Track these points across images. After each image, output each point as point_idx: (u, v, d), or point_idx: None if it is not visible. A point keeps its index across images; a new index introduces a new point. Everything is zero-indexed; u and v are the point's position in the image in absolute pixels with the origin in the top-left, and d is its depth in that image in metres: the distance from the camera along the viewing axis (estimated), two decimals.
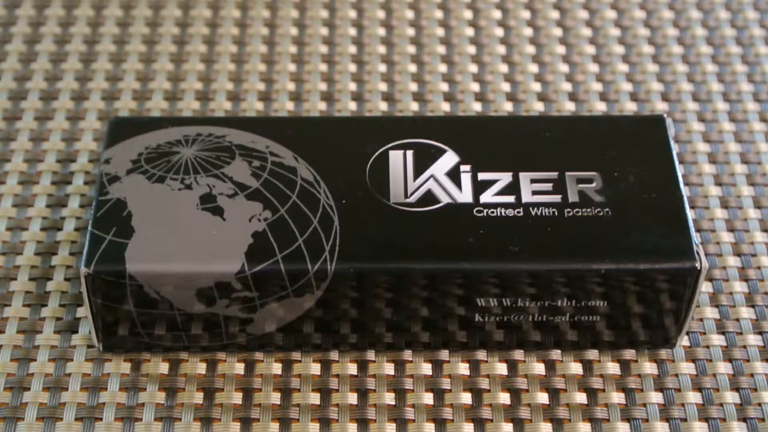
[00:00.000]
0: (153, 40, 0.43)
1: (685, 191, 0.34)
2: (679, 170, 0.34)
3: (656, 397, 0.34)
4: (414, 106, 0.41)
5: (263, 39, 0.43)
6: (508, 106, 0.41)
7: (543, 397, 0.34)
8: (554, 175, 0.34)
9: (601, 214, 0.33)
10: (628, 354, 0.35)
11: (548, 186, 0.34)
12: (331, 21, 0.44)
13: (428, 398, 0.34)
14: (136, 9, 0.44)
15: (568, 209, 0.33)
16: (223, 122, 0.36)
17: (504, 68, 0.42)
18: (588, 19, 0.44)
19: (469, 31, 0.44)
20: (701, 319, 0.36)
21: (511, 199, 0.33)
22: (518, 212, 0.33)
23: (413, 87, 0.42)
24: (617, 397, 0.34)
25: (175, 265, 0.32)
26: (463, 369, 0.34)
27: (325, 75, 0.42)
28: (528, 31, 0.44)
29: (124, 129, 0.35)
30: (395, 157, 0.34)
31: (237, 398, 0.34)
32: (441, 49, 0.43)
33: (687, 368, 0.35)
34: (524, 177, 0.34)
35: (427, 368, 0.34)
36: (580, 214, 0.33)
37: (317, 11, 0.44)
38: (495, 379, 0.34)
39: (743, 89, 0.42)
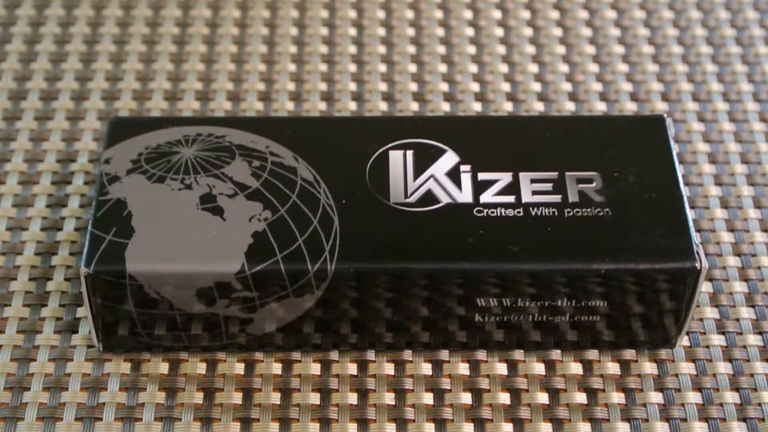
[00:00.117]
0: (153, 40, 0.43)
1: (685, 191, 0.34)
2: (679, 170, 0.34)
3: (656, 397, 0.34)
4: (414, 106, 0.41)
5: (263, 39, 0.43)
6: (508, 106, 0.41)
7: (543, 397, 0.34)
8: (554, 175, 0.34)
9: (601, 214, 0.33)
10: (628, 354, 0.35)
11: (548, 186, 0.34)
12: (331, 21, 0.44)
13: (428, 398, 0.34)
14: (136, 9, 0.44)
15: (568, 209, 0.33)
16: (223, 122, 0.36)
17: (504, 68, 0.42)
18: (588, 19, 0.44)
19: (469, 31, 0.44)
20: (701, 319, 0.36)
21: (511, 199, 0.33)
22: (518, 212, 0.33)
23: (413, 87, 0.42)
24: (617, 397, 0.34)
25: (175, 265, 0.32)
26: (463, 369, 0.34)
27: (325, 75, 0.42)
28: (528, 31, 0.44)
29: (124, 129, 0.35)
30: (395, 157, 0.34)
31: (237, 398, 0.34)
32: (441, 49, 0.43)
33: (687, 368, 0.35)
34: (524, 177, 0.34)
35: (427, 368, 0.34)
36: (580, 214, 0.33)
37: (317, 11, 0.44)
38: (495, 379, 0.34)
39: (743, 89, 0.42)
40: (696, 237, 0.33)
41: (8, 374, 0.34)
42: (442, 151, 0.35)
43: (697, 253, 0.32)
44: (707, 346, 0.35)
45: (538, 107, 0.41)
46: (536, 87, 0.42)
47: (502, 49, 0.43)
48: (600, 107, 0.41)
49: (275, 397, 0.34)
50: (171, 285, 0.32)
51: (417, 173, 0.34)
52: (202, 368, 0.34)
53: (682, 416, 0.34)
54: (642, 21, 0.44)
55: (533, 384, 0.34)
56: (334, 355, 0.35)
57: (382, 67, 0.42)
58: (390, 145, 0.35)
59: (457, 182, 0.34)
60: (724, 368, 0.35)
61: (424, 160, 0.34)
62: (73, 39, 0.43)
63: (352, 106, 0.41)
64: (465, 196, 0.34)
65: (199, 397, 0.34)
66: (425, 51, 0.43)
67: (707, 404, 0.34)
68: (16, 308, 0.36)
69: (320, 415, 0.33)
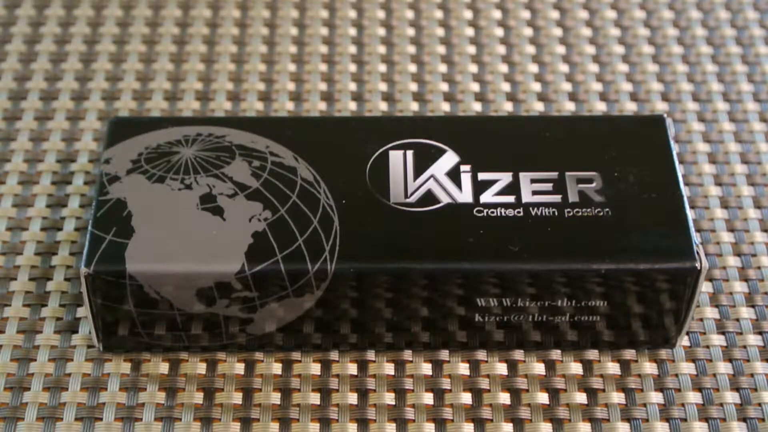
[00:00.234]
0: (153, 40, 0.43)
1: (685, 191, 0.34)
2: (679, 170, 0.34)
3: (656, 397, 0.34)
4: (414, 106, 0.41)
5: (263, 39, 0.43)
6: (508, 106, 0.41)
7: (543, 397, 0.34)
8: (554, 175, 0.34)
9: (601, 214, 0.33)
10: (628, 354, 0.35)
11: (548, 186, 0.34)
12: (331, 21, 0.44)
13: (428, 398, 0.34)
14: (136, 9, 0.44)
15: (568, 209, 0.33)
16: (223, 122, 0.36)
17: (504, 68, 0.42)
18: (588, 19, 0.44)
19: (469, 31, 0.44)
20: (701, 319, 0.36)
21: (511, 199, 0.33)
22: (518, 212, 0.33)
23: (413, 87, 0.42)
24: (617, 397, 0.34)
25: (175, 265, 0.32)
26: (463, 369, 0.34)
27: (325, 75, 0.42)
28: (528, 31, 0.44)
29: (124, 129, 0.35)
30: (395, 157, 0.34)
31: (237, 398, 0.34)
32: (441, 49, 0.43)
33: (687, 368, 0.35)
34: (524, 177, 0.34)
35: (427, 368, 0.34)
36: (580, 214, 0.33)
37: (317, 11, 0.44)
38: (495, 379, 0.34)
39: (743, 89, 0.42)
40: (696, 237, 0.33)
41: (8, 374, 0.34)
42: (442, 151, 0.35)
43: (697, 253, 0.32)
44: (707, 346, 0.35)
45: (538, 107, 0.41)
46: (536, 87, 0.42)
47: (502, 49, 0.43)
48: (600, 107, 0.41)
49: (275, 397, 0.34)
50: (171, 285, 0.32)
51: (417, 173, 0.34)
52: (202, 368, 0.34)
53: (682, 416, 0.34)
54: (642, 21, 0.44)
55: (533, 384, 0.34)
56: (334, 355, 0.35)
57: (382, 67, 0.42)
58: (390, 145, 0.35)
59: (457, 182, 0.34)
60: (724, 368, 0.35)
61: (424, 160, 0.34)
62: (73, 39, 0.43)
63: (352, 106, 0.41)
64: (465, 196, 0.34)
65: (199, 397, 0.34)
66: (425, 51, 0.43)
67: (707, 404, 0.34)
68: (16, 308, 0.36)
69: (320, 415, 0.33)
